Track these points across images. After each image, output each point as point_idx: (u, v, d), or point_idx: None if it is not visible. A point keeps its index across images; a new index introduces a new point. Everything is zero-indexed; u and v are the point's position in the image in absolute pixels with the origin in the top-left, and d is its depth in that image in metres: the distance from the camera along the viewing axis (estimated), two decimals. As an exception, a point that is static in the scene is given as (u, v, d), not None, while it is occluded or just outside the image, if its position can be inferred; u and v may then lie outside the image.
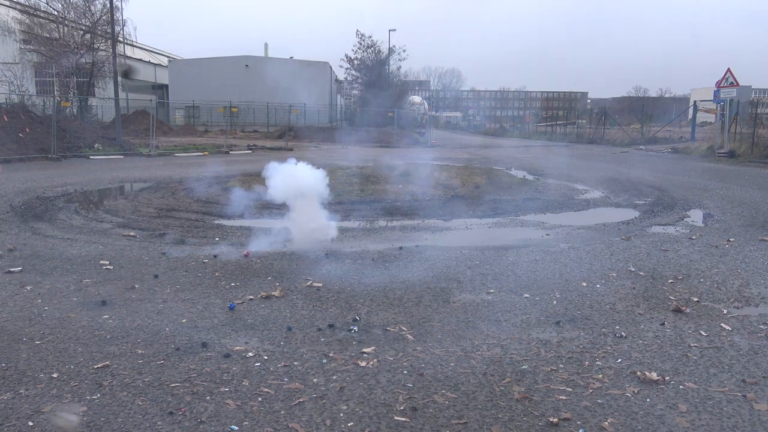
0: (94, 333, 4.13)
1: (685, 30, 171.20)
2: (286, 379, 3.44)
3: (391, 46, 53.43)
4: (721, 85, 23.61)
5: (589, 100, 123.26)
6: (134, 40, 36.62)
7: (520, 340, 4.09)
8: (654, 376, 3.47)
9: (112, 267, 5.92)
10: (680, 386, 3.40)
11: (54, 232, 7.69)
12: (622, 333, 4.23)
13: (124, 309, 4.64)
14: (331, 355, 3.80)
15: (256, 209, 9.54)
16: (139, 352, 3.81)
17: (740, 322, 4.49)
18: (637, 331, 4.27)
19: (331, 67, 55.71)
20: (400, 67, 47.79)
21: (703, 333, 4.26)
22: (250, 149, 25.93)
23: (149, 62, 54.87)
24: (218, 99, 39.22)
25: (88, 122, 28.43)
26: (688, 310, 4.73)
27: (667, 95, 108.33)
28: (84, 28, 32.14)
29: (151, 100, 35.42)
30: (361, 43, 45.73)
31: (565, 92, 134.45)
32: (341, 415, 3.04)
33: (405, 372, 3.55)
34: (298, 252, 6.64)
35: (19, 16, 32.64)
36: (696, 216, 9.61)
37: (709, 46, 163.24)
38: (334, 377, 3.48)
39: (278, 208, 9.69)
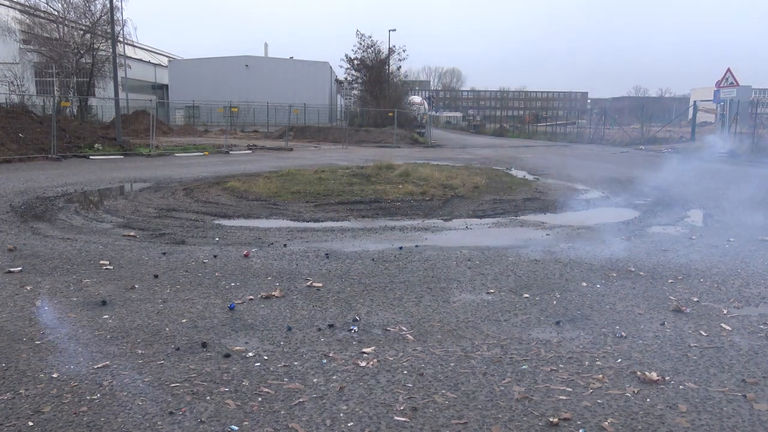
0: (94, 333, 4.13)
1: (685, 30, 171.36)
2: (286, 379, 3.44)
3: (391, 46, 53.39)
4: (721, 85, 23.64)
5: (589, 100, 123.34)
6: (134, 40, 36.69)
7: (520, 340, 4.09)
8: (654, 376, 3.47)
9: (112, 267, 5.91)
10: (680, 386, 3.39)
11: (54, 232, 7.69)
12: (622, 333, 4.22)
13: (124, 309, 4.64)
14: (331, 355, 3.79)
15: (257, 209, 9.54)
16: (139, 352, 3.81)
17: (740, 322, 4.49)
18: (637, 331, 4.27)
19: (331, 67, 55.74)
20: (400, 67, 47.71)
21: (703, 333, 4.25)
22: (250, 149, 25.95)
23: (149, 62, 54.89)
24: (218, 99, 39.33)
25: (88, 122, 28.46)
26: (688, 310, 4.73)
27: (667, 95, 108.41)
28: (84, 28, 32.16)
29: (151, 100, 35.44)
30: (361, 43, 45.70)
31: (565, 92, 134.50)
32: (341, 415, 3.04)
33: (405, 372, 3.55)
34: (296, 251, 6.64)
35: (19, 16, 32.68)
36: (696, 216, 9.61)
37: (710, 45, 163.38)
38: (334, 377, 3.48)
39: (277, 207, 9.70)
